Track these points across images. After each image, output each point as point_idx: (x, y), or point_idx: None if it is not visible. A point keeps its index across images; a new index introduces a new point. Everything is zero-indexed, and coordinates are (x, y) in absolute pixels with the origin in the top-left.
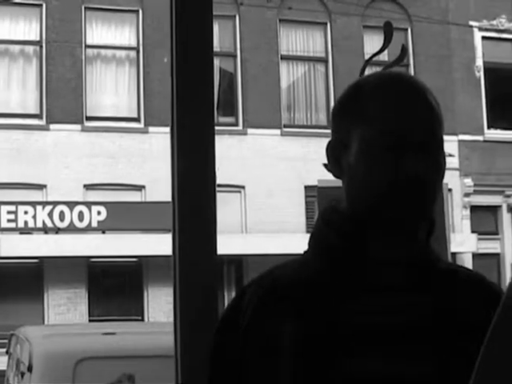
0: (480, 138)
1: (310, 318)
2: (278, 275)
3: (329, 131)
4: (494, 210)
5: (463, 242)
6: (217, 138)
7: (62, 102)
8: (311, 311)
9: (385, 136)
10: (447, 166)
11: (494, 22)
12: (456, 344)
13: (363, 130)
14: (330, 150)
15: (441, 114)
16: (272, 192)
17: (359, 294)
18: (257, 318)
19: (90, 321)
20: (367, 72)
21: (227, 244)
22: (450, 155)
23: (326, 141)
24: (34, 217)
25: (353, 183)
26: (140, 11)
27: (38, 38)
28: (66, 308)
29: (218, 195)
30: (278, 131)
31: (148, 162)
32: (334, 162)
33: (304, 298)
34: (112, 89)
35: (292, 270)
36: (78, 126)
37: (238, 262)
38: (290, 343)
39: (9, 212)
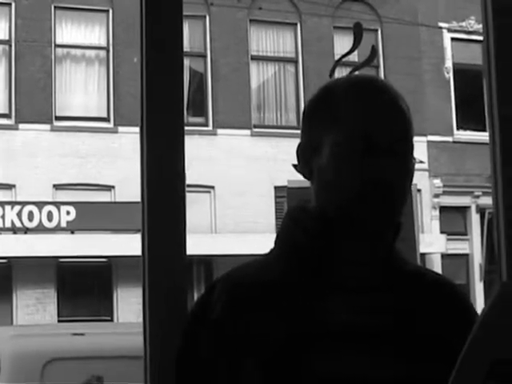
0: (449, 138)
1: (277, 318)
2: (245, 274)
3: (299, 132)
4: (463, 210)
5: (432, 243)
6: (186, 138)
7: (31, 101)
8: (279, 311)
9: (355, 140)
10: (416, 166)
11: (463, 24)
12: (418, 347)
13: (334, 134)
14: (300, 151)
15: (411, 118)
16: (242, 192)
17: (326, 293)
18: (225, 316)
19: (59, 321)
20: (337, 72)
21: (197, 244)
22: (421, 162)
23: (296, 141)
24: (3, 217)
25: (322, 185)
26: (110, 11)
27: (7, 37)
28: (34, 308)
29: (188, 195)
30: (247, 131)
31: (117, 162)
32: (303, 164)
33: (271, 298)
34: (81, 88)
35: (259, 269)
36: (48, 126)
37: (207, 262)
38: (257, 342)
39: None
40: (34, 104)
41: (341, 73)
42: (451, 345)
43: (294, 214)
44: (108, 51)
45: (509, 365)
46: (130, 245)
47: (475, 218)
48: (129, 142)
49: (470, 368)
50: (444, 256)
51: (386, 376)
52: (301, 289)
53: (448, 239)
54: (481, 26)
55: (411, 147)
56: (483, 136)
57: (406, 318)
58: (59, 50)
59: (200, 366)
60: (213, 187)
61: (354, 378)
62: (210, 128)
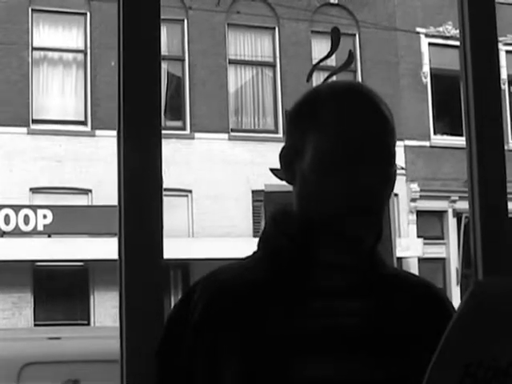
0: (426, 143)
1: (258, 321)
2: (226, 277)
3: (276, 136)
4: (439, 215)
5: (409, 247)
6: (164, 141)
7: (8, 104)
8: (259, 314)
9: (339, 148)
10: None
11: (441, 29)
12: (401, 349)
13: (318, 140)
14: (283, 155)
15: (394, 126)
16: (219, 196)
17: (307, 297)
18: (205, 320)
19: (35, 325)
20: (314, 77)
21: (174, 248)
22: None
23: (273, 145)
24: None
25: (305, 191)
26: (88, 14)
27: None
28: (10, 312)
29: (165, 199)
30: (225, 135)
31: (95, 166)
32: (286, 168)
33: (252, 301)
34: (59, 91)
35: (240, 272)
36: (24, 129)
37: (184, 266)
38: (238, 346)
39: None
40: (11, 107)
41: (318, 77)
42: (434, 347)
43: (277, 218)
44: (85, 54)
45: (483, 367)
46: (106, 249)
47: (452, 223)
48: (106, 145)
49: (444, 370)
50: (421, 260)
51: (365, 380)
52: (283, 292)
53: (425, 243)
54: (458, 31)
55: (394, 154)
56: (460, 141)
57: (388, 320)
58: (36, 53)
59: (181, 368)
60: (190, 191)
61: (336, 381)
62: (188, 132)
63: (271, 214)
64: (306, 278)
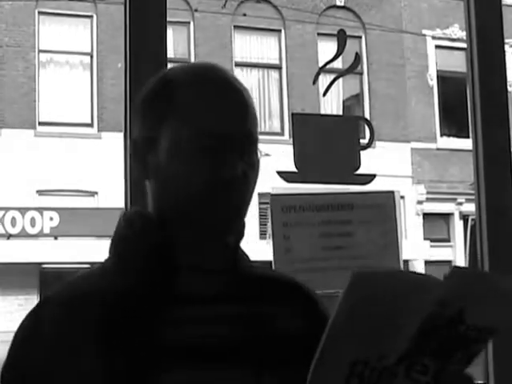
0: (433, 145)
1: (119, 334)
2: (81, 286)
3: (283, 138)
4: (446, 217)
5: (415, 249)
6: None
7: (15, 106)
8: (120, 327)
9: (199, 136)
10: (400, 173)
11: (447, 31)
12: (271, 355)
13: (175, 129)
14: (133, 147)
15: (256, 112)
16: None
17: (167, 306)
18: (59, 339)
19: None
20: (321, 79)
21: None
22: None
23: (279, 148)
24: None
25: (161, 185)
26: (94, 16)
27: None
28: (17, 315)
29: None
30: None
31: (101, 168)
32: (138, 161)
33: (111, 313)
34: (65, 94)
35: (96, 280)
36: (31, 131)
37: None
38: (98, 364)
39: None
40: (18, 109)
41: (325, 79)
42: (309, 346)
43: (131, 221)
44: (92, 57)
45: (369, 367)
46: None
47: (458, 225)
48: (112, 147)
49: (327, 369)
50: (427, 262)
51: None
52: (141, 301)
53: (431, 246)
54: (464, 33)
55: (257, 141)
56: (466, 143)
57: (258, 325)
58: (43, 55)
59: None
60: None
61: None
62: None
63: (124, 217)
64: (166, 285)
